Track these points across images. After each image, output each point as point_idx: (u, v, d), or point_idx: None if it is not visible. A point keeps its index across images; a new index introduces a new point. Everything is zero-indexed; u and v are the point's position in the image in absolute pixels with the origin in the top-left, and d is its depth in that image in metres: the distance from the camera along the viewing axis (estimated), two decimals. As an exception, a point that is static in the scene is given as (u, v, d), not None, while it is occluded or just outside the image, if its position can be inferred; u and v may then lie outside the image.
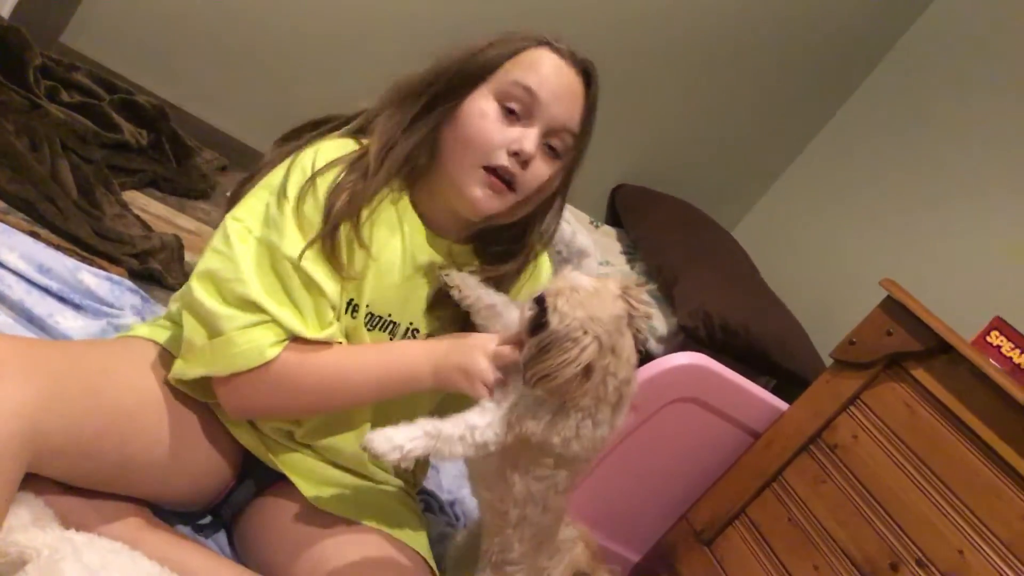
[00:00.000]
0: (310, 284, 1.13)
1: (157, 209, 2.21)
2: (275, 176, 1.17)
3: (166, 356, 1.26)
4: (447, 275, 1.21)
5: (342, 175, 1.16)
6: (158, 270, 1.91)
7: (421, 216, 1.25)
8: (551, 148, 1.20)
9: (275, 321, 1.11)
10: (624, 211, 3.19)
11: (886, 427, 1.79)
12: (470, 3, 2.76)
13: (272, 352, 1.11)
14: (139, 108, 2.36)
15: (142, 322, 1.56)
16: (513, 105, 1.17)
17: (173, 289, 1.90)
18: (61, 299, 1.61)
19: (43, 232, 1.79)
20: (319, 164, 1.16)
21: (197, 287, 1.13)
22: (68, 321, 1.58)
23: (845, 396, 1.87)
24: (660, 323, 2.66)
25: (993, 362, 1.73)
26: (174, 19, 2.60)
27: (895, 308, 1.84)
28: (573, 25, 2.83)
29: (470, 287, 1.20)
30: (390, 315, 1.24)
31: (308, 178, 1.14)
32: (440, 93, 1.19)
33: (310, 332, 1.14)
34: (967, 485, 1.63)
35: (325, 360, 1.16)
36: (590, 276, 1.10)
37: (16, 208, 1.81)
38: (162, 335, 1.30)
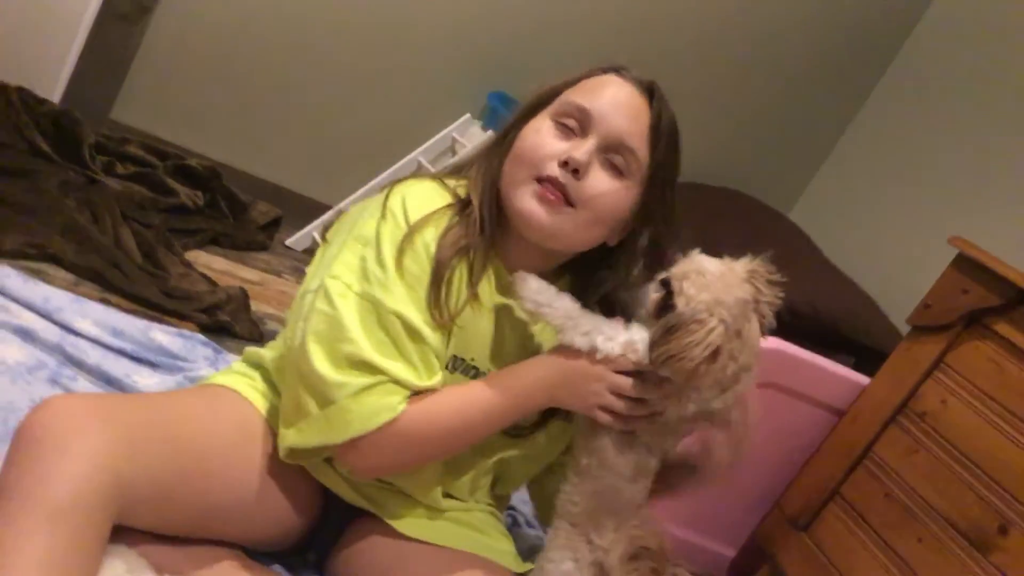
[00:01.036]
0: (415, 335, 1.12)
1: (220, 264, 2.28)
2: (366, 226, 1.16)
3: (242, 401, 1.28)
4: (514, 278, 1.17)
5: (452, 226, 1.17)
6: (227, 322, 1.96)
7: (502, 259, 1.24)
8: (613, 166, 1.17)
9: (387, 379, 1.10)
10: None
11: (975, 387, 1.73)
12: (497, 27, 2.79)
13: (387, 415, 1.10)
14: (192, 171, 2.44)
15: (216, 372, 1.60)
16: (567, 121, 1.16)
17: (243, 338, 1.95)
18: (136, 359, 1.67)
19: (113, 298, 1.86)
20: (410, 211, 1.15)
21: (310, 352, 1.11)
22: (145, 379, 1.62)
23: (928, 361, 1.81)
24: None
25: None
26: (213, 82, 2.69)
27: (967, 265, 1.78)
28: (599, 28, 2.88)
29: (537, 291, 1.15)
30: (473, 359, 1.24)
31: (404, 229, 1.14)
32: (512, 125, 1.21)
33: (422, 381, 1.13)
34: (1069, 435, 1.56)
35: (444, 408, 1.15)
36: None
37: (85, 279, 1.88)
38: (237, 381, 1.32)
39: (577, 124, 1.16)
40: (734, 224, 2.93)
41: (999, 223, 2.66)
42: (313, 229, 2.64)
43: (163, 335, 1.76)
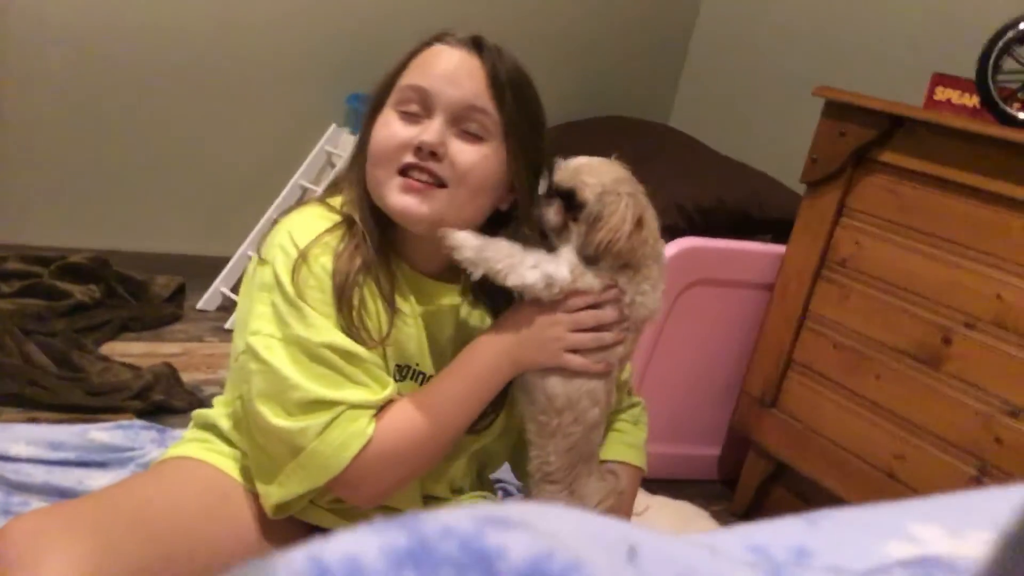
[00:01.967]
0: (351, 357, 1.09)
1: (138, 349, 2.22)
2: (265, 273, 1.13)
3: (202, 466, 1.26)
4: (443, 236, 1.12)
5: (342, 247, 1.13)
6: (162, 400, 1.92)
7: (406, 261, 1.22)
8: (470, 134, 1.13)
9: (345, 408, 1.08)
10: (560, 151, 3.19)
11: (880, 219, 1.80)
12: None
13: (359, 441, 1.08)
14: (79, 268, 2.38)
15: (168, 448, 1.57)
16: (409, 107, 1.13)
17: (183, 411, 1.91)
18: (83, 464, 1.62)
19: (40, 415, 1.80)
20: (300, 242, 1.12)
21: (261, 414, 1.09)
22: (97, 480, 1.58)
23: (831, 211, 1.88)
24: (656, 239, 2.66)
25: (949, 114, 1.74)
26: (76, 174, 2.61)
27: (837, 109, 1.85)
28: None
29: (469, 239, 1.12)
30: (417, 364, 1.22)
31: (296, 259, 1.11)
32: (365, 125, 1.19)
33: (379, 395, 1.11)
34: (975, 232, 1.64)
35: (412, 412, 1.13)
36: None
37: (5, 405, 1.82)
38: (191, 448, 1.29)
39: (419, 107, 1.13)
40: (622, 145, 2.95)
41: (858, 69, 2.76)
42: (220, 285, 2.59)
43: (102, 433, 1.72)
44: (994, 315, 1.61)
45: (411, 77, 1.14)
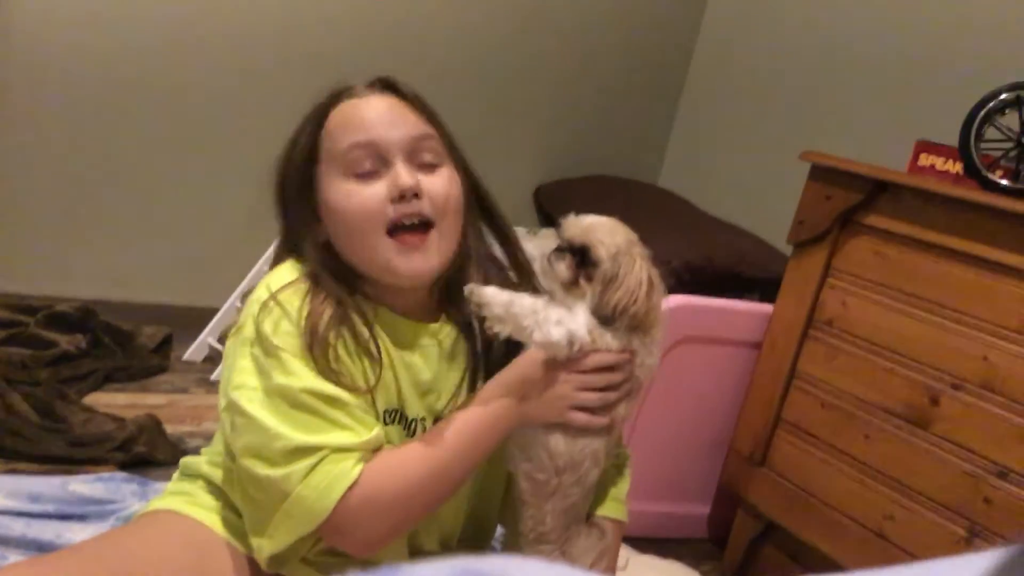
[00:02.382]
0: (333, 402, 1.08)
1: (122, 400, 2.20)
2: (247, 328, 1.13)
3: (183, 520, 1.24)
4: (469, 294, 1.12)
5: (312, 296, 1.13)
6: (145, 452, 1.89)
7: (381, 304, 1.21)
8: (428, 164, 1.15)
9: (328, 451, 1.07)
10: (551, 207, 3.22)
11: (866, 280, 1.82)
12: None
13: (344, 483, 1.06)
14: (65, 317, 2.36)
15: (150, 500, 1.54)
16: (363, 168, 1.12)
17: (166, 464, 1.89)
18: (62, 517, 1.59)
19: (20, 465, 1.78)
20: (279, 295, 1.12)
21: (249, 466, 1.09)
22: (77, 534, 1.55)
23: (818, 272, 1.89)
24: (662, 299, 2.68)
25: (933, 180, 1.78)
26: (64, 223, 2.62)
27: (823, 173, 1.88)
28: (431, 53, 2.93)
29: (498, 296, 1.11)
30: (401, 408, 1.21)
31: (273, 309, 1.11)
32: (293, 199, 1.18)
33: (364, 437, 1.09)
34: (960, 295, 1.66)
35: (407, 456, 1.12)
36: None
37: (-14, 456, 1.79)
38: (172, 501, 1.28)
39: (371, 162, 1.12)
40: (612, 204, 2.99)
41: (843, 134, 2.82)
42: (207, 336, 2.58)
43: (82, 485, 1.69)
44: (981, 377, 1.62)
45: (345, 138, 1.12)
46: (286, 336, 1.09)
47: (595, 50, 3.37)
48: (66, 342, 2.26)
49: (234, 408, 1.09)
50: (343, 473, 1.06)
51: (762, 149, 3.16)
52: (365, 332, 1.15)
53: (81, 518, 1.62)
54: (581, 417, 1.13)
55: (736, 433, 2.06)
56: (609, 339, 1.11)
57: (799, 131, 2.99)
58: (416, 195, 1.11)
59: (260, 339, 1.10)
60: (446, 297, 1.26)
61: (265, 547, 1.11)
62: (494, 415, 1.13)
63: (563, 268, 1.13)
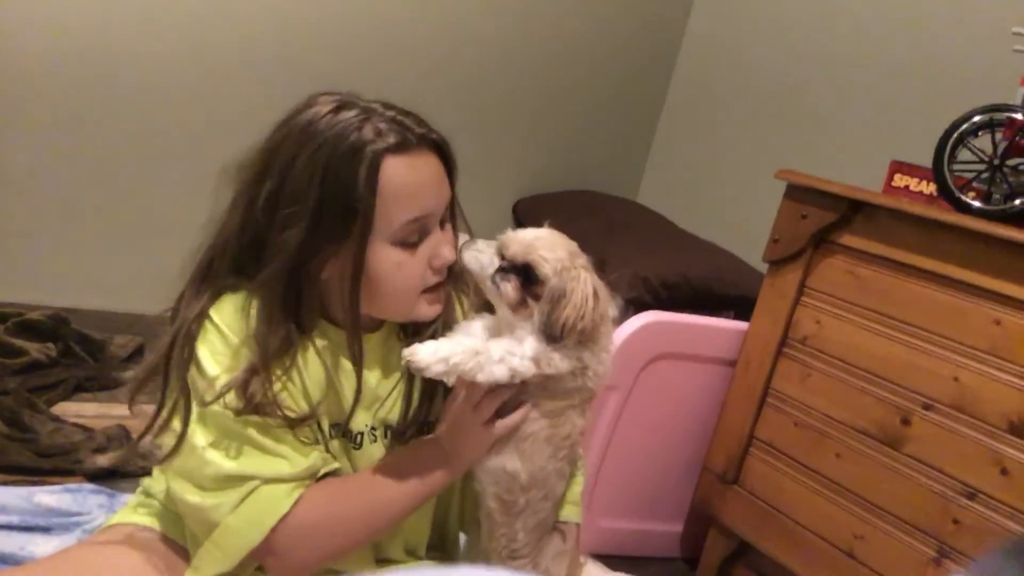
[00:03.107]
0: (267, 428, 1.08)
1: (91, 410, 2.17)
2: (192, 372, 1.11)
3: (141, 532, 1.23)
4: (406, 359, 1.09)
5: (259, 324, 1.10)
6: (114, 464, 1.86)
7: (326, 319, 1.18)
8: (443, 222, 1.17)
9: (259, 483, 1.06)
10: (530, 221, 3.21)
11: (839, 299, 1.83)
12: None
13: (274, 516, 1.06)
14: (36, 324, 2.33)
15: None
16: (413, 239, 1.11)
17: (135, 475, 1.86)
18: (26, 529, 1.57)
19: (-15, 476, 1.75)
20: (216, 318, 1.10)
21: (176, 490, 1.09)
22: (41, 547, 1.53)
23: (792, 290, 1.90)
24: (608, 307, 2.68)
25: (907, 200, 1.79)
26: (37, 231, 2.59)
27: (799, 192, 1.89)
28: (412, 74, 2.93)
29: (436, 353, 1.08)
30: (346, 422, 1.20)
31: (216, 333, 1.09)
32: (313, 253, 1.08)
33: (298, 466, 1.09)
34: (932, 316, 1.67)
35: (342, 489, 1.12)
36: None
37: (-50, 465, 1.76)
38: (131, 515, 1.27)
39: (419, 234, 1.11)
40: (591, 219, 3.02)
41: (819, 154, 2.85)
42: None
43: (48, 496, 1.67)
44: (952, 398, 1.63)
45: (405, 210, 1.08)
46: (226, 360, 1.08)
47: (576, 65, 3.39)
48: (36, 350, 2.23)
49: (170, 432, 1.09)
50: (274, 506, 1.06)
51: (739, 167, 3.18)
52: (317, 373, 1.14)
53: (46, 530, 1.59)
54: (500, 428, 1.14)
55: (709, 451, 2.06)
56: (558, 361, 1.10)
57: (776, 150, 3.01)
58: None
59: (199, 364, 1.08)
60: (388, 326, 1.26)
61: None
62: (429, 461, 1.15)
63: (509, 290, 1.11)
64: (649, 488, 2.13)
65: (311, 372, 1.14)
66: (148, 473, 1.84)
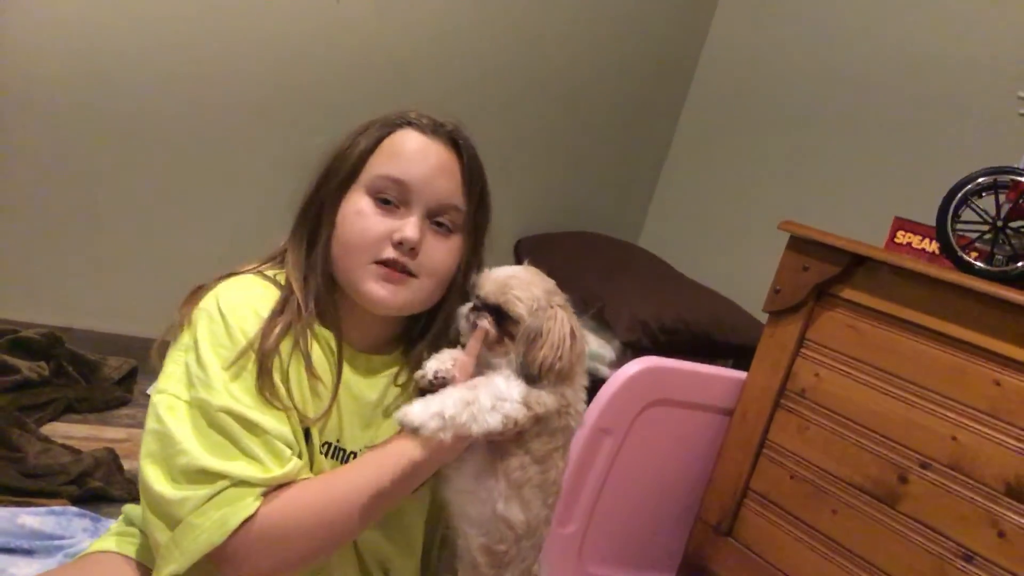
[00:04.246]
0: (251, 427, 1.06)
1: (81, 431, 2.15)
2: (186, 335, 1.11)
3: (120, 562, 1.21)
4: (400, 421, 1.08)
5: (275, 316, 1.11)
6: (100, 487, 1.84)
7: (338, 332, 1.20)
8: (442, 225, 1.17)
9: (228, 484, 1.03)
10: (531, 261, 3.23)
11: (839, 353, 1.82)
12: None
13: (236, 520, 1.02)
14: (30, 342, 2.31)
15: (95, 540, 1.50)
16: (387, 195, 1.14)
17: (121, 500, 1.83)
18: (8, 550, 1.54)
19: (-31, 494, 1.72)
20: (224, 306, 1.10)
21: (146, 475, 1.06)
22: (23, 569, 1.50)
23: (792, 342, 1.90)
24: (606, 350, 2.67)
25: (909, 257, 1.80)
26: (35, 249, 2.58)
27: (801, 244, 1.90)
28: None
29: (425, 412, 1.06)
30: (338, 441, 1.19)
31: (220, 323, 1.08)
32: (323, 205, 1.17)
33: (270, 473, 1.06)
34: (932, 374, 1.66)
35: (305, 494, 1.08)
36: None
37: (-65, 482, 1.74)
38: (111, 543, 1.24)
39: (396, 196, 1.14)
40: (592, 261, 3.03)
41: (822, 207, 2.86)
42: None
43: (32, 518, 1.64)
44: (949, 457, 1.62)
45: (388, 166, 1.14)
46: (220, 350, 1.07)
47: (582, 106, 3.41)
48: (28, 369, 2.21)
49: (152, 411, 1.07)
50: (238, 509, 1.03)
51: (742, 216, 3.19)
52: (324, 362, 1.15)
53: (28, 552, 1.56)
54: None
55: (704, 501, 2.04)
56: (546, 399, 1.09)
57: (779, 201, 3.03)
58: (413, 249, 1.13)
59: (196, 350, 1.08)
60: (405, 334, 1.25)
61: None
62: (403, 456, 1.08)
63: (486, 324, 1.10)
64: (641, 536, 2.11)
65: (317, 363, 1.14)
66: (134, 499, 1.84)
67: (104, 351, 2.52)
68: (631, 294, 2.72)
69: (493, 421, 1.04)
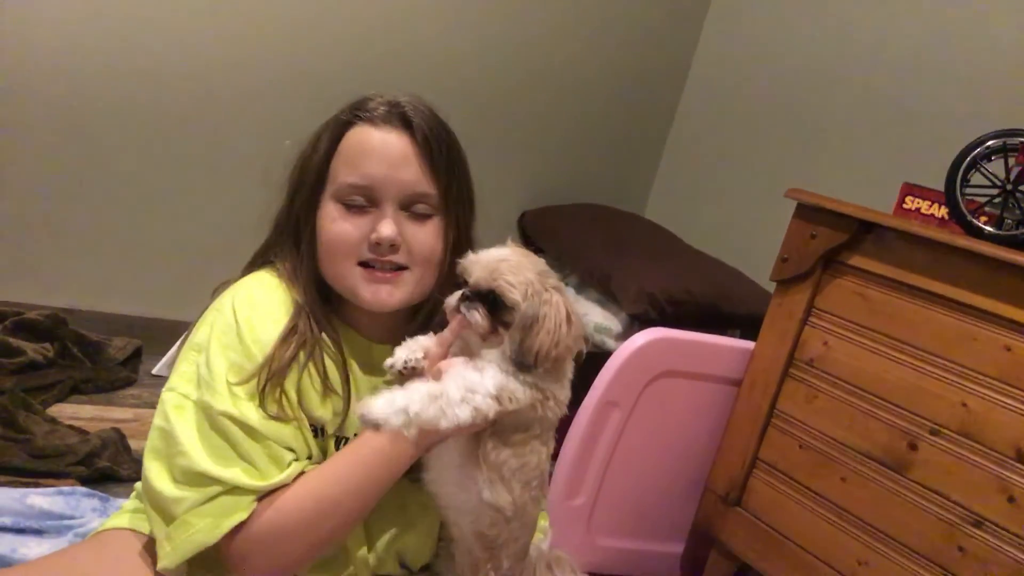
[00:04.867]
0: (252, 432, 1.06)
1: (87, 412, 2.15)
2: (200, 333, 1.13)
3: (135, 538, 1.21)
4: (359, 418, 1.08)
5: (290, 329, 1.12)
6: (108, 467, 1.85)
7: (352, 328, 1.21)
8: (418, 213, 1.16)
9: (223, 490, 1.05)
10: (536, 234, 3.21)
11: (848, 321, 1.81)
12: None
13: (227, 525, 1.04)
14: (34, 324, 2.32)
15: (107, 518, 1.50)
16: (354, 200, 1.13)
17: (129, 480, 1.84)
18: (18, 531, 1.55)
19: (-22, 476, 1.73)
20: (239, 309, 1.11)
21: (148, 470, 1.07)
22: (32, 549, 1.50)
23: (800, 311, 1.88)
24: (612, 322, 2.66)
25: (918, 223, 1.77)
26: (37, 230, 2.57)
27: (808, 211, 1.87)
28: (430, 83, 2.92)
29: (390, 406, 1.04)
30: (355, 435, 1.18)
31: (234, 327, 1.09)
32: (299, 218, 1.17)
33: (266, 480, 1.06)
34: (941, 340, 1.65)
35: (298, 495, 1.08)
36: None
37: (-57, 464, 1.74)
38: (126, 519, 1.25)
39: (364, 199, 1.13)
40: (598, 233, 3.01)
41: (829, 174, 2.83)
42: (178, 350, 2.53)
43: (41, 498, 1.65)
44: (959, 423, 1.61)
45: (348, 173, 1.14)
46: (229, 353, 1.08)
47: (586, 78, 3.38)
48: (33, 350, 2.21)
49: (160, 408, 1.09)
50: (234, 512, 1.04)
51: (748, 185, 3.17)
52: (335, 373, 1.15)
53: (38, 532, 1.57)
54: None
55: (712, 472, 2.03)
56: (519, 394, 1.05)
57: (785, 168, 3.00)
58: (393, 245, 1.13)
59: (207, 350, 1.09)
60: (415, 320, 1.24)
61: (160, 565, 1.07)
62: (388, 446, 1.07)
63: (478, 318, 1.05)
64: (650, 507, 2.11)
65: (331, 372, 1.15)
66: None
67: (108, 331, 2.52)
68: (637, 266, 2.71)
69: (463, 414, 1.01)
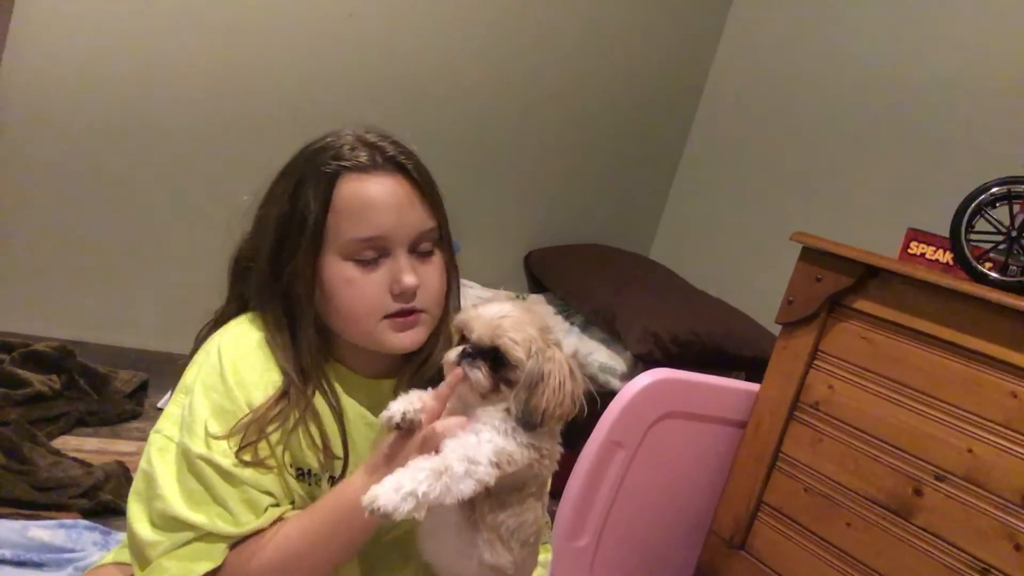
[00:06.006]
0: (229, 477, 1.05)
1: (91, 444, 2.15)
2: (188, 375, 1.12)
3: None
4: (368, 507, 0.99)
5: (271, 401, 1.10)
6: (110, 500, 1.84)
7: (344, 365, 1.19)
8: (424, 253, 1.15)
9: (197, 536, 1.04)
10: (541, 273, 3.22)
11: (853, 365, 1.81)
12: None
13: (198, 570, 1.03)
14: (42, 356, 2.32)
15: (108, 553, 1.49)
16: (365, 256, 1.11)
17: (132, 513, 1.83)
18: (19, 563, 1.54)
19: (-20, 507, 1.72)
20: (224, 350, 1.11)
21: (129, 513, 1.08)
22: (33, 582, 1.50)
23: (805, 353, 1.88)
24: (617, 361, 2.66)
25: (923, 268, 1.78)
26: (47, 263, 2.59)
27: (814, 255, 1.89)
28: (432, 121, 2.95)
29: (396, 492, 0.97)
30: (345, 474, 1.17)
31: (218, 372, 1.08)
32: (293, 279, 1.12)
33: (240, 527, 1.05)
34: (946, 385, 1.65)
35: (267, 551, 1.06)
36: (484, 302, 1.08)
37: (-54, 495, 1.74)
38: (126, 554, 1.24)
39: (376, 251, 1.11)
40: (604, 273, 3.02)
41: (835, 218, 2.85)
42: (185, 384, 2.53)
43: (42, 531, 1.64)
44: (965, 469, 1.60)
45: (355, 228, 1.10)
46: (212, 395, 1.07)
47: (593, 118, 3.41)
48: (40, 382, 2.21)
49: (146, 449, 1.09)
50: (204, 556, 1.04)
51: (754, 227, 3.18)
52: (333, 432, 1.13)
53: (38, 566, 1.57)
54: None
55: (716, 514, 2.02)
56: (518, 456, 1.02)
57: (791, 212, 3.02)
58: (414, 291, 1.12)
59: (191, 394, 1.08)
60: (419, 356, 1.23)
61: None
62: (352, 510, 1.02)
63: (480, 377, 1.02)
64: (653, 549, 2.09)
65: (326, 420, 1.13)
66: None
67: (115, 364, 2.53)
68: (642, 306, 2.71)
69: (467, 489, 0.98)
